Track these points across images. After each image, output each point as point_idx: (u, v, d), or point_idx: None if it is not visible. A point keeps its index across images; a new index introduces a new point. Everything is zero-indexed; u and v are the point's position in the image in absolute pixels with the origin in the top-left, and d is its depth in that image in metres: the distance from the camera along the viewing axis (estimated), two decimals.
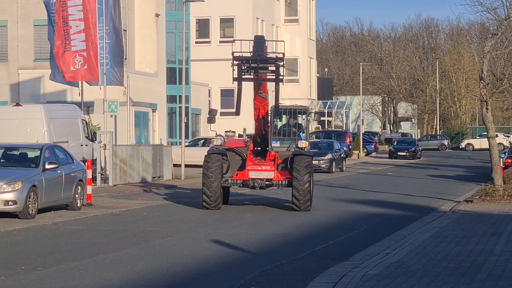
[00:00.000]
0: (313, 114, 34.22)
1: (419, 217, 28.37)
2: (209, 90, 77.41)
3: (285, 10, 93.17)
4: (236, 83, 31.22)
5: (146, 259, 18.90)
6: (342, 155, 62.14)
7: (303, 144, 29.90)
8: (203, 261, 18.47)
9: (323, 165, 57.87)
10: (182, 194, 38.64)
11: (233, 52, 31.01)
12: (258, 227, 26.11)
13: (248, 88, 32.54)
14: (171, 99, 63.75)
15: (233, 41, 33.53)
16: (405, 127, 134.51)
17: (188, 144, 57.61)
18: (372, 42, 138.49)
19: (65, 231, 23.52)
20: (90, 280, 15.81)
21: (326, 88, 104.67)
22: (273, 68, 31.25)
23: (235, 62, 30.83)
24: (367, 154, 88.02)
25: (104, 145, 41.17)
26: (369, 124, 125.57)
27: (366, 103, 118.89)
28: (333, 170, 58.02)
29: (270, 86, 34.20)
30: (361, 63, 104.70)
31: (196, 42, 77.19)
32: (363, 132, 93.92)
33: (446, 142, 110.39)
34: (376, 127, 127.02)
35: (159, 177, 47.19)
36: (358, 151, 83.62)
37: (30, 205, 26.24)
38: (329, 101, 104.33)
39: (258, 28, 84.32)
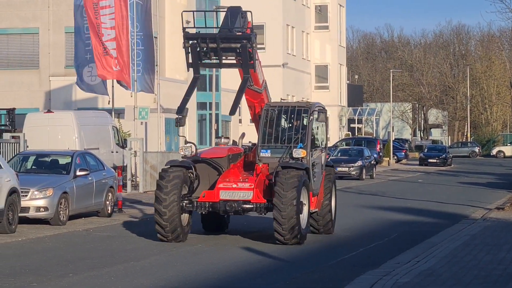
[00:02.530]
0: (320, 114, 23.65)
1: (449, 225, 28.30)
2: None
3: (315, 17, 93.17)
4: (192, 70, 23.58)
5: (176, 265, 18.98)
6: (372, 162, 62.10)
7: (299, 153, 22.22)
8: (232, 268, 18.52)
9: (353, 172, 57.90)
10: None
11: (184, 28, 23.07)
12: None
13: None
14: (201, 106, 63.91)
15: (182, 12, 25.49)
16: (436, 134, 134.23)
17: None
18: (403, 49, 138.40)
19: (96, 237, 23.64)
20: (122, 287, 15.92)
21: (356, 95, 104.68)
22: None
23: (189, 43, 22.85)
24: (398, 161, 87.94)
25: (135, 151, 41.32)
26: (399, 131, 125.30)
27: (396, 110, 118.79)
28: (363, 177, 57.98)
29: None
30: (391, 70, 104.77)
31: None
32: (393, 139, 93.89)
33: (477, 149, 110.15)
34: (407, 134, 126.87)
35: None
36: (388, 158, 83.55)
37: (61, 212, 26.47)
38: (359, 108, 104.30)
39: (289, 34, 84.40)
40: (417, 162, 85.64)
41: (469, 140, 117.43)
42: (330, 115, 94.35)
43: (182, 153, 23.01)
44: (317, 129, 24.84)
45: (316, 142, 24.40)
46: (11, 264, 18.90)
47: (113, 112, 44.45)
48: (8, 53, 58.33)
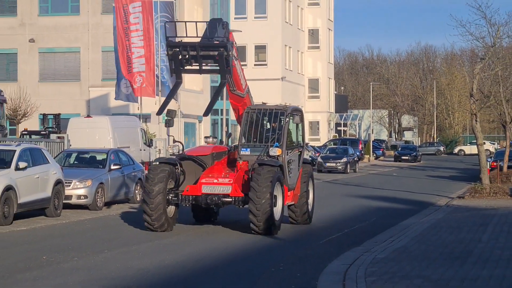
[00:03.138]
0: (295, 116, 22.12)
1: (419, 210, 28.28)
2: None
3: (308, 39, 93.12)
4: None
5: (193, 244, 18.97)
6: (355, 159, 61.95)
7: (275, 152, 20.58)
8: (241, 246, 18.52)
9: (340, 167, 57.74)
10: None
11: (167, 37, 22.07)
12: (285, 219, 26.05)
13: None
14: (214, 112, 63.86)
15: (166, 23, 25.09)
16: (408, 135, 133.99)
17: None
18: (380, 65, 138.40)
19: (127, 220, 23.58)
20: (148, 261, 15.91)
21: (342, 103, 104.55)
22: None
23: (171, 51, 21.14)
24: (376, 158, 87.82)
25: (159, 149, 41.27)
26: (377, 133, 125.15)
27: (375, 116, 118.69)
28: (348, 171, 57.85)
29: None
30: (371, 83, 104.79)
31: None
32: (372, 139, 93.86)
33: (442, 148, 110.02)
34: (384, 136, 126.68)
35: None
36: (368, 156, 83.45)
37: (98, 199, 26.51)
38: (345, 114, 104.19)
39: (286, 53, 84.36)
40: (393, 159, 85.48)
41: (435, 141, 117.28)
42: (320, 120, 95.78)
43: (170, 151, 21.67)
44: (295, 129, 23.04)
45: (292, 141, 22.63)
46: (57, 242, 18.95)
47: (141, 117, 44.46)
48: (55, 68, 58.38)
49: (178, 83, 21.78)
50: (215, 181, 20.62)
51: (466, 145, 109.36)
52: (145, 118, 47.45)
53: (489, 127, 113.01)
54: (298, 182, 22.30)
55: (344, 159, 58.81)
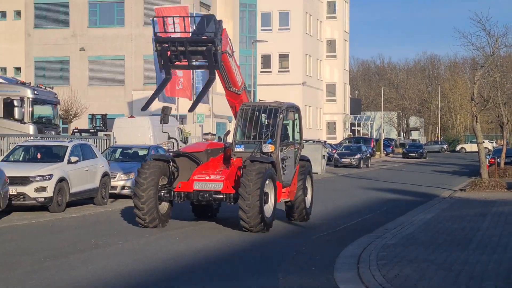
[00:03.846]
0: (289, 113, 19.72)
1: (425, 201, 28.16)
2: None
3: (326, 48, 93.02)
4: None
5: (219, 229, 18.95)
6: (367, 155, 61.77)
7: (268, 148, 18.35)
8: (270, 233, 18.39)
9: (354, 162, 57.59)
10: None
11: (156, 33, 19.66)
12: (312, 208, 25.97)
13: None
14: None
15: (153, 18, 21.34)
16: (415, 135, 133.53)
17: None
18: (391, 72, 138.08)
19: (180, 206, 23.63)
20: (183, 245, 16.01)
21: (356, 106, 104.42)
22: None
23: (160, 46, 18.76)
24: (386, 154, 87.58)
25: None
26: (387, 132, 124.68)
27: (386, 117, 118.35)
28: (361, 166, 57.70)
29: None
30: (382, 88, 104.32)
31: (261, 72, 77.32)
32: (383, 138, 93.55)
33: (445, 146, 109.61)
34: (393, 135, 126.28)
35: None
36: (379, 152, 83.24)
37: None
38: (358, 115, 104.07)
39: (307, 61, 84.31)
40: (401, 156, 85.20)
41: (439, 140, 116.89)
42: (337, 120, 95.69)
43: (165, 147, 19.49)
44: (292, 126, 20.57)
45: (288, 138, 20.16)
46: (104, 228, 19.03)
47: (178, 117, 44.58)
48: (102, 74, 58.73)
49: (167, 78, 19.48)
50: (207, 177, 18.51)
51: (467, 143, 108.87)
52: (182, 118, 47.63)
53: (487, 128, 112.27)
54: (295, 178, 20.03)
55: (358, 156, 58.67)
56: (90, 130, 42.35)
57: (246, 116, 19.54)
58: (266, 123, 19.41)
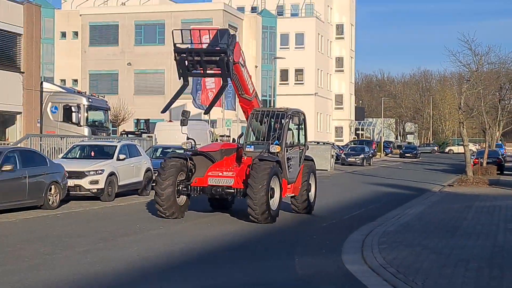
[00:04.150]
0: (294, 117, 19.26)
1: (418, 195, 28.05)
2: None
3: (335, 64, 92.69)
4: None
5: (236, 220, 18.83)
6: (370, 155, 61.57)
7: (274, 149, 17.75)
8: (280, 220, 18.42)
9: (358, 161, 57.38)
10: None
11: (175, 44, 18.19)
12: (316, 200, 25.92)
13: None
14: None
15: (173, 31, 19.12)
16: (410, 138, 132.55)
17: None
18: (390, 85, 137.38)
19: (199, 199, 23.69)
20: (213, 230, 15.99)
21: (360, 113, 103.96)
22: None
23: (178, 56, 18.15)
24: (386, 155, 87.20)
25: None
26: (386, 136, 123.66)
27: (385, 123, 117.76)
28: (364, 164, 57.51)
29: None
30: (382, 98, 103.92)
31: (280, 84, 77.23)
32: (383, 141, 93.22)
33: (435, 148, 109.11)
34: (391, 138, 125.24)
35: None
36: (380, 153, 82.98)
37: None
38: (362, 121, 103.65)
39: (318, 75, 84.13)
40: (398, 156, 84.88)
41: (431, 142, 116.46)
42: (343, 125, 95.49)
43: (184, 147, 18.61)
44: (298, 130, 19.92)
45: (294, 140, 19.41)
46: (147, 215, 18.98)
47: (209, 122, 44.65)
48: (146, 85, 59.06)
49: (184, 85, 18.46)
50: (220, 174, 17.84)
51: (455, 146, 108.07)
52: (212, 123, 47.70)
53: (472, 132, 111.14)
54: (299, 176, 19.25)
55: (362, 155, 58.51)
56: (136, 133, 42.53)
57: (256, 120, 18.85)
58: (273, 126, 18.68)
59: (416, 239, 14.32)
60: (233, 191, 17.59)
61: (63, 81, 59.94)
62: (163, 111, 19.77)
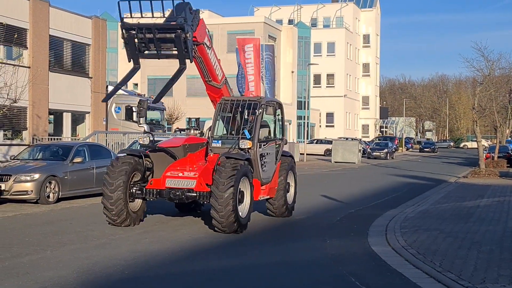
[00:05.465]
0: (268, 107, 14.27)
1: (436, 185, 27.71)
2: (319, 113, 77.34)
3: (362, 69, 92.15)
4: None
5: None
6: (393, 150, 60.96)
7: (245, 144, 13.28)
8: (313, 207, 18.38)
9: (382, 155, 56.96)
10: (303, 168, 38.53)
11: (121, 18, 12.75)
12: (345, 189, 25.79)
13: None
14: (299, 117, 63.81)
15: (119, 1, 12.85)
16: (428, 135, 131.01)
17: (308, 142, 57.53)
18: (410, 87, 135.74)
19: None
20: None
21: (384, 113, 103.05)
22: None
23: (126, 33, 12.86)
24: (407, 149, 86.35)
25: None
26: (407, 133, 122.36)
27: (406, 121, 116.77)
28: (388, 158, 57.07)
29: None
30: (404, 99, 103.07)
31: (313, 87, 76.97)
32: (404, 137, 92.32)
33: (451, 143, 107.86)
34: (412, 135, 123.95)
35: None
36: (402, 148, 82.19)
37: None
38: (386, 120, 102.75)
39: (347, 79, 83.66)
40: (418, 151, 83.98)
41: (447, 139, 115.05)
42: (369, 124, 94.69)
43: (141, 142, 13.91)
44: (273, 122, 15.12)
45: (269, 134, 14.82)
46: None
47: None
48: (196, 88, 58.96)
49: (135, 68, 13.42)
50: (180, 174, 13.25)
51: (469, 142, 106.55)
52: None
53: (484, 130, 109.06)
54: (276, 175, 14.84)
55: (385, 150, 58.04)
56: (186, 129, 42.72)
57: (224, 111, 14.50)
58: (244, 118, 14.37)
59: (433, 224, 14.14)
60: (195, 194, 13.09)
61: (125, 85, 60.59)
62: (104, 100, 15.80)
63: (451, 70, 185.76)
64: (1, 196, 17.21)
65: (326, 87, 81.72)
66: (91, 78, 33.14)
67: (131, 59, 13.22)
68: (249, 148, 13.43)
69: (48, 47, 30.03)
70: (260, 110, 13.98)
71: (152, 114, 35.07)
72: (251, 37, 46.43)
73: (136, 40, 12.90)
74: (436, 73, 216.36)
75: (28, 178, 17.36)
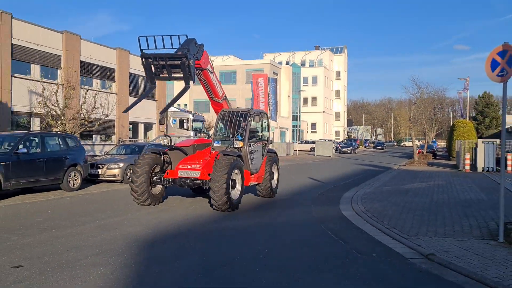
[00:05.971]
0: (255, 116, 13.21)
1: (384, 171, 27.41)
2: (307, 123, 76.85)
3: (335, 94, 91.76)
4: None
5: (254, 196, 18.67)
6: (356, 147, 60.39)
7: (238, 144, 12.62)
8: (303, 185, 18.17)
9: (349, 151, 56.52)
10: (296, 161, 38.27)
11: (141, 50, 11.54)
12: (324, 174, 25.57)
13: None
14: (293, 126, 63.48)
15: (139, 37, 11.41)
16: (379, 137, 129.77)
17: (299, 142, 57.16)
18: (367, 106, 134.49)
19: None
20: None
21: (350, 123, 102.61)
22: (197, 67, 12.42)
23: (145, 61, 11.82)
24: (365, 147, 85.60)
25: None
26: (365, 136, 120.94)
27: (365, 128, 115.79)
28: (352, 153, 56.55)
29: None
30: (363, 114, 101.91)
31: (303, 106, 76.51)
32: (363, 139, 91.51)
33: (395, 143, 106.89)
34: (368, 137, 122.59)
35: (288, 154, 46.80)
36: (361, 146, 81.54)
37: None
38: (351, 127, 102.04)
39: (325, 101, 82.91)
40: (373, 148, 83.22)
41: (392, 140, 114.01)
42: (340, 130, 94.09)
43: (162, 143, 12.36)
44: (261, 127, 13.87)
45: (257, 136, 13.61)
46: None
47: None
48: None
49: (152, 87, 12.30)
50: (189, 166, 12.36)
51: (407, 142, 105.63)
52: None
53: (417, 134, 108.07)
54: (263, 166, 13.73)
55: (351, 147, 57.49)
56: (198, 133, 42.56)
57: (223, 119, 13.43)
58: (238, 124, 13.28)
59: (384, 197, 14.00)
60: (199, 182, 12.15)
61: (179, 104, 60.55)
62: (125, 111, 12.59)
63: (395, 94, 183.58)
64: (99, 178, 17.39)
65: (311, 106, 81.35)
66: (156, 100, 33.29)
67: (149, 81, 12.08)
68: (241, 147, 12.67)
69: (128, 80, 30.33)
70: (249, 118, 13.14)
71: (196, 124, 35.02)
72: (262, 73, 46.32)
73: (152, 66, 11.91)
74: (385, 96, 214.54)
75: (116, 166, 17.44)
